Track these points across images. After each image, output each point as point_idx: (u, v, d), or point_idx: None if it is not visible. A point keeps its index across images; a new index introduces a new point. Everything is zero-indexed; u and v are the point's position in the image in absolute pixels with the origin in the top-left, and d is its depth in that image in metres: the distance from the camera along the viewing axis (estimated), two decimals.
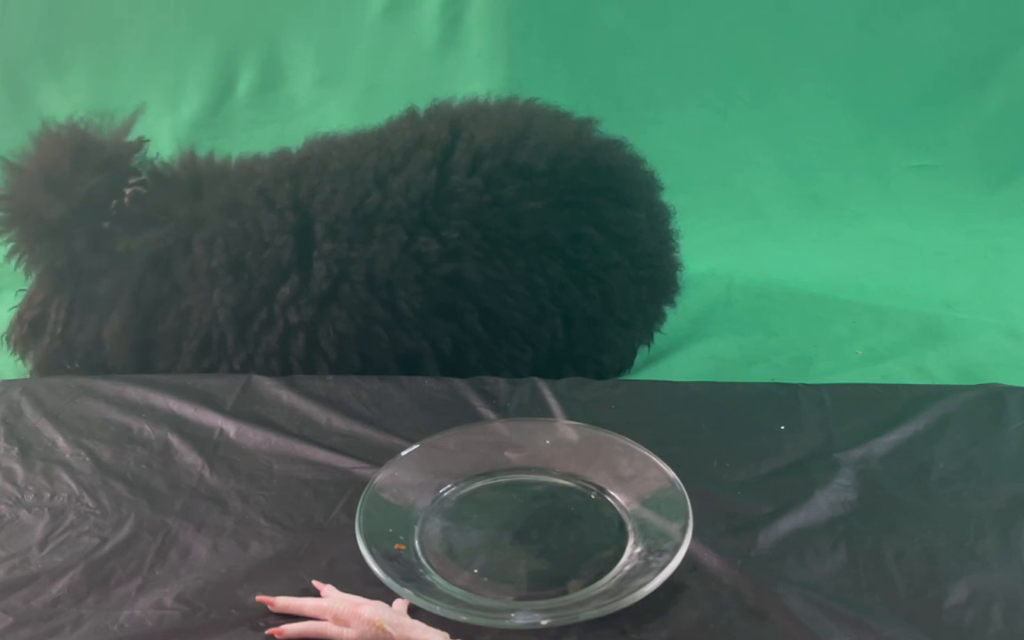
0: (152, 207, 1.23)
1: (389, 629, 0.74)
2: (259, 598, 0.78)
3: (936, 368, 1.29)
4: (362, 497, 0.86)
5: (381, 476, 0.90)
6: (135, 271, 1.21)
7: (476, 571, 0.82)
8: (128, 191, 1.25)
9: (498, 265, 1.17)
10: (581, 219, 1.21)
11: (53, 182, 1.22)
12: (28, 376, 1.28)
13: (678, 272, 1.33)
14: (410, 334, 1.16)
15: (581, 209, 1.22)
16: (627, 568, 0.81)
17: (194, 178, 1.26)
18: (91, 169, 1.23)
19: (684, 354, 1.35)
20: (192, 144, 1.37)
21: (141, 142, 1.30)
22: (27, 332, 1.27)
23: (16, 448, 1.00)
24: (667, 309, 1.33)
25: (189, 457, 0.99)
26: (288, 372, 1.15)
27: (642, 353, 1.33)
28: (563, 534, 0.87)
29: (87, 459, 0.99)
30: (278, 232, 1.17)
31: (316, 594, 0.79)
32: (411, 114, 1.31)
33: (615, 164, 1.27)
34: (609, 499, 0.90)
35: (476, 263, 1.16)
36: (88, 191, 1.22)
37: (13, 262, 1.26)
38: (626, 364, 1.30)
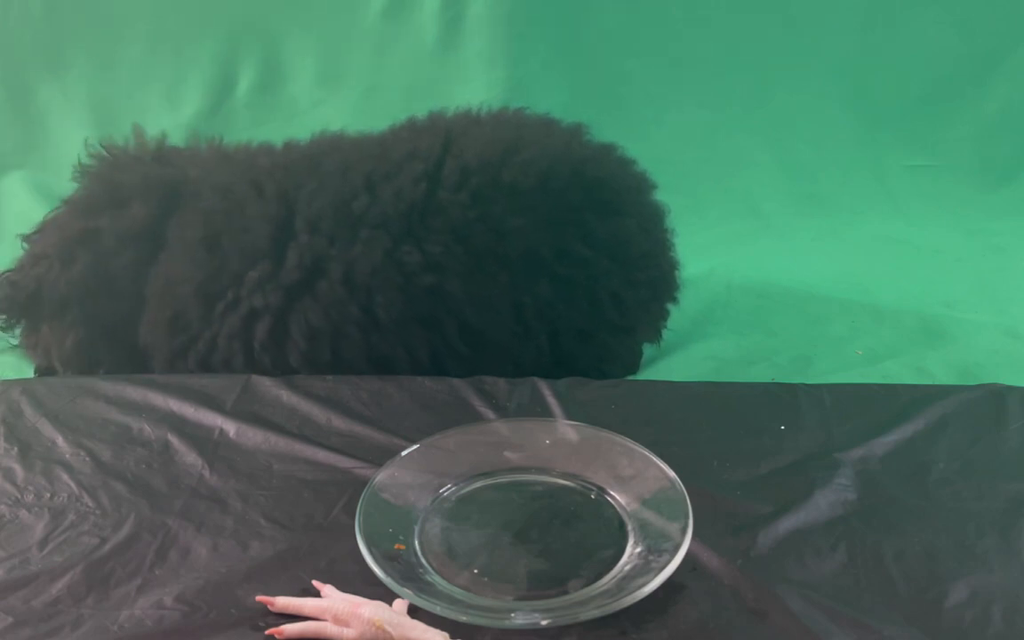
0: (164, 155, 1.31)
1: (389, 629, 0.74)
2: (259, 598, 0.78)
3: (936, 368, 1.29)
4: (362, 497, 0.86)
5: (381, 476, 0.90)
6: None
7: (476, 571, 0.82)
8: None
9: (481, 281, 1.18)
10: (568, 235, 1.21)
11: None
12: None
13: (676, 270, 1.33)
14: (385, 339, 1.17)
15: (568, 225, 1.22)
16: (627, 568, 0.81)
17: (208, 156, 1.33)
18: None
19: (684, 354, 1.34)
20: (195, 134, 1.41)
21: None
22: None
23: (16, 448, 1.00)
24: (670, 306, 1.33)
25: (189, 457, 0.99)
26: (251, 356, 1.16)
27: (644, 352, 1.33)
28: (563, 534, 0.87)
29: (87, 459, 0.99)
30: (259, 219, 1.19)
31: (316, 594, 0.79)
32: (410, 124, 1.33)
33: (603, 175, 1.26)
34: (609, 499, 0.90)
35: (458, 278, 1.17)
36: None
37: None
38: (630, 369, 1.30)
